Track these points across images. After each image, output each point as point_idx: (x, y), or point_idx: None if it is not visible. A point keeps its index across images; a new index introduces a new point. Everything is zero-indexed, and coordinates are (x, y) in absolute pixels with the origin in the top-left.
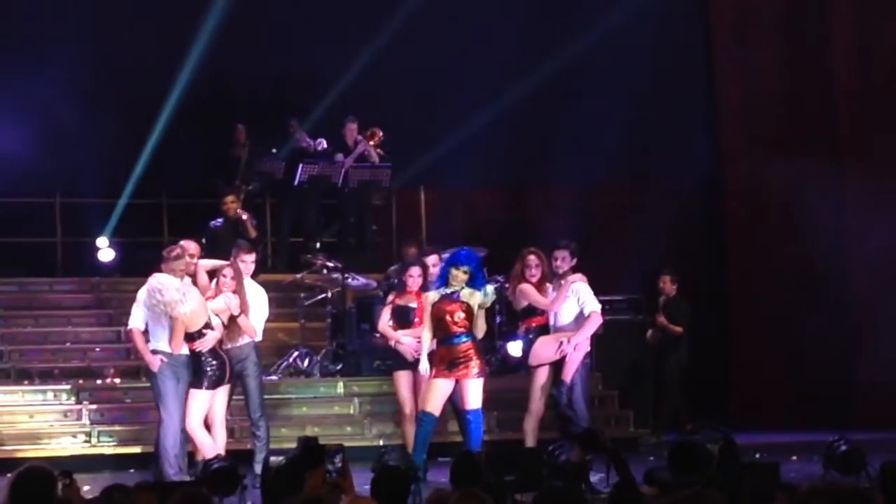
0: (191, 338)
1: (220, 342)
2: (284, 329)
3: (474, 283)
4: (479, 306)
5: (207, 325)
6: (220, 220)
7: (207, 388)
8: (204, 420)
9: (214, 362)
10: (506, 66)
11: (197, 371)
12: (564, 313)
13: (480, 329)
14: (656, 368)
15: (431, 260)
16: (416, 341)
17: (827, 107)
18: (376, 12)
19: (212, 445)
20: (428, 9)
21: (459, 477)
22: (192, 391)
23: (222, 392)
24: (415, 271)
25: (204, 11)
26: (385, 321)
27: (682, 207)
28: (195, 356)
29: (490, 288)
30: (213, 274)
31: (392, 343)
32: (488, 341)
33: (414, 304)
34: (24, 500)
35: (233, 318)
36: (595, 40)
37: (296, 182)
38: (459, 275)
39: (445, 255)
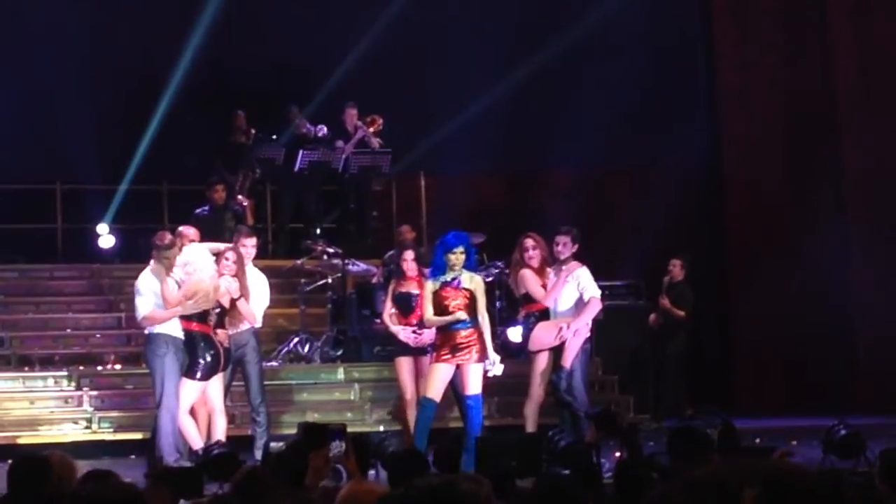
0: (189, 319)
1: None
2: (285, 315)
3: (468, 261)
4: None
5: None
6: (206, 207)
7: (200, 378)
8: (204, 407)
9: (210, 353)
10: (506, 50)
11: (191, 361)
12: (565, 299)
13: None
14: (656, 354)
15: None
16: (412, 332)
17: (826, 92)
18: None
19: (197, 436)
20: None
21: (441, 467)
22: (184, 380)
23: (217, 379)
24: (408, 255)
25: None
26: (388, 310)
27: (682, 193)
28: (190, 343)
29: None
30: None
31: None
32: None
33: (416, 291)
34: (20, 488)
35: (233, 304)
36: (596, 25)
37: (296, 168)
38: (458, 257)
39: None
